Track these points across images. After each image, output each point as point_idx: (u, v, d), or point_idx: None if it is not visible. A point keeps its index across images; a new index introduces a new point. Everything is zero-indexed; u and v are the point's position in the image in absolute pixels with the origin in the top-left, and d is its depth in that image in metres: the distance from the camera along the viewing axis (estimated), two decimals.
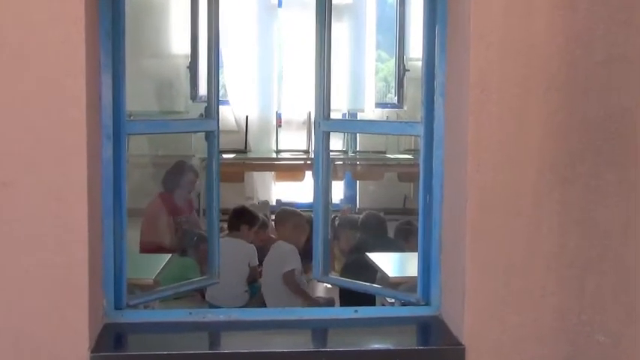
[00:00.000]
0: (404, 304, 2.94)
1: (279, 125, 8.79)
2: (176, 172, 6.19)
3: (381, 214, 5.65)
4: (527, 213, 2.48)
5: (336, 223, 5.85)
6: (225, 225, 5.73)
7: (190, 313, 2.74)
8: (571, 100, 2.46)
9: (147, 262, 4.29)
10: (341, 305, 5.03)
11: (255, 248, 5.50)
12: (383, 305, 4.03)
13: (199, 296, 5.50)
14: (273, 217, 6.03)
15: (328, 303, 5.24)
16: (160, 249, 5.41)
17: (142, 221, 5.88)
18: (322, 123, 3.17)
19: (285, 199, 8.87)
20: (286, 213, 5.57)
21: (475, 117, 2.45)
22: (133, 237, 5.59)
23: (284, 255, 5.13)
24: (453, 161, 2.67)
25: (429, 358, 2.55)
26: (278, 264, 5.12)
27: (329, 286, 5.22)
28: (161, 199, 6.05)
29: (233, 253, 5.27)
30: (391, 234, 5.49)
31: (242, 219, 5.64)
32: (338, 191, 8.95)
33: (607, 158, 2.48)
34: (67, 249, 2.39)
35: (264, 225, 6.22)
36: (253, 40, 8.60)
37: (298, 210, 5.67)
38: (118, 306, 2.70)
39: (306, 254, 4.97)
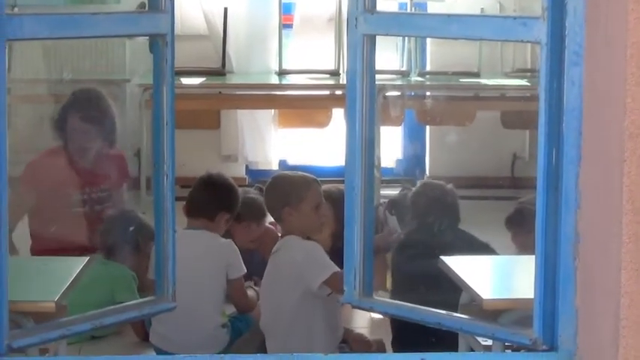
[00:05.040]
0: (510, 348, 2.94)
1: (284, 26, 8.81)
2: (79, 102, 6.11)
3: (450, 185, 5.66)
4: None
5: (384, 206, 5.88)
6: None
7: None
8: None
9: (46, 273, 4.33)
10: (394, 348, 5.09)
11: (236, 247, 5.51)
12: (472, 350, 4.06)
13: (141, 333, 5.55)
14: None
15: (376, 347, 5.29)
16: (63, 248, 5.43)
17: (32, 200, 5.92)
18: (362, 19, 3.19)
19: (295, 160, 8.89)
20: (301, 183, 5.51)
21: None
22: (21, 228, 5.65)
23: (306, 260, 5.11)
24: (598, 91, 2.67)
25: None
26: (296, 276, 5.10)
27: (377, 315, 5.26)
28: (58, 156, 6.00)
29: (199, 255, 5.30)
30: (483, 226, 5.53)
31: (221, 200, 5.65)
32: (392, 146, 8.96)
33: None
34: None
35: (260, 213, 6.18)
36: None
37: (318, 180, 5.66)
38: None
39: (334, 258, 4.99)
